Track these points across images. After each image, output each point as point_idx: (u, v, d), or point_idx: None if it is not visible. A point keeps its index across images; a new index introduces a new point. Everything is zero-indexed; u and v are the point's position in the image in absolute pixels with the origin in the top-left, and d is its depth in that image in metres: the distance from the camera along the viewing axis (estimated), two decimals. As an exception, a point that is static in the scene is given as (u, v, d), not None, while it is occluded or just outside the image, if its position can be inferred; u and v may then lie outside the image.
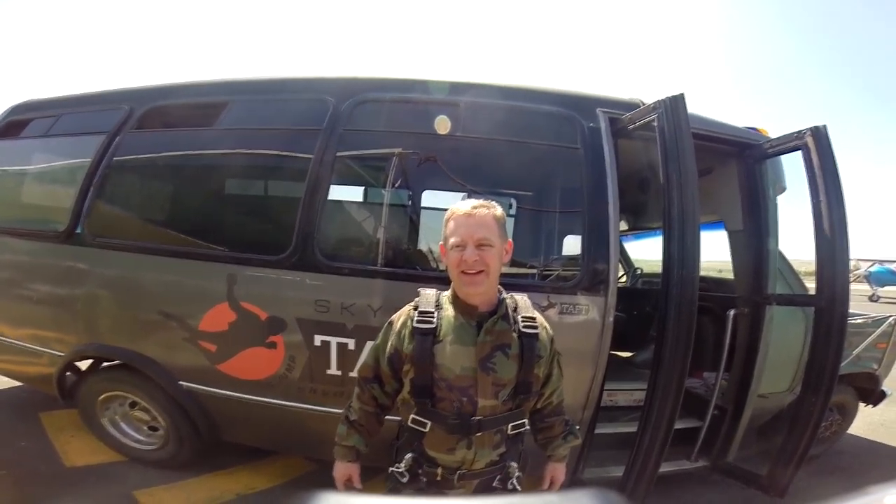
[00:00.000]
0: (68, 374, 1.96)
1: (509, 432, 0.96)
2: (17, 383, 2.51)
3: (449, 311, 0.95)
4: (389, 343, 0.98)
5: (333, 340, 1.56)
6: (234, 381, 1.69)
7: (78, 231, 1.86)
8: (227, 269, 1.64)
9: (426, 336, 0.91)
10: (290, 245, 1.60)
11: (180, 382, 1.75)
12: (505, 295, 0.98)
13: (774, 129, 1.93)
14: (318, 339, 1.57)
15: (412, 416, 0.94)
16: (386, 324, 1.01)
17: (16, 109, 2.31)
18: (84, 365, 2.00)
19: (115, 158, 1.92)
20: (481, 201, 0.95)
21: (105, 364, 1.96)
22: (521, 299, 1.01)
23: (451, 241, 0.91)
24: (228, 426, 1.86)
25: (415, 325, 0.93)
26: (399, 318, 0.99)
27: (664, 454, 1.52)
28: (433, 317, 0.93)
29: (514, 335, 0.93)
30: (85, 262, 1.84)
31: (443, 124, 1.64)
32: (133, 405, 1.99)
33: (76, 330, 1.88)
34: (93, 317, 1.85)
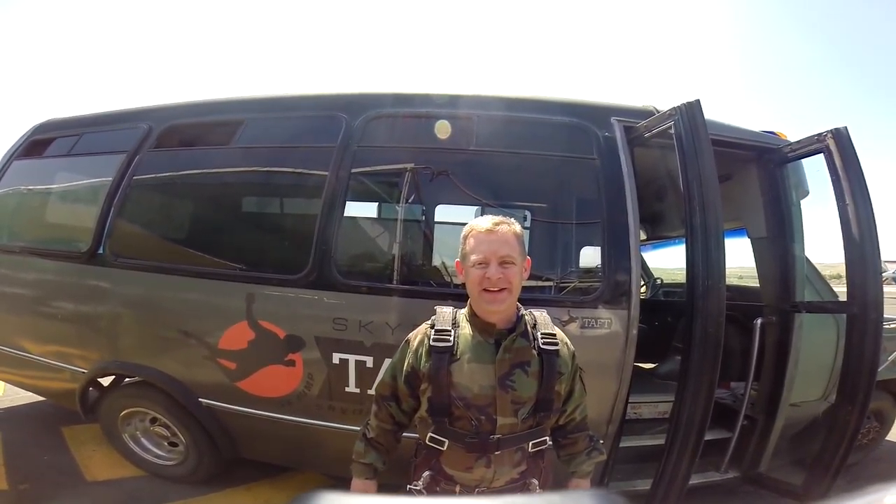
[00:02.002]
0: (91, 389, 1.99)
1: (530, 450, 0.94)
2: (41, 398, 2.56)
3: (466, 329, 0.94)
4: (406, 361, 0.97)
5: (352, 358, 1.56)
6: (252, 399, 1.69)
7: (100, 252, 1.90)
8: (246, 289, 1.66)
9: (443, 354, 0.90)
10: (308, 263, 1.60)
11: (200, 399, 1.76)
12: (523, 311, 0.97)
13: (794, 134, 1.89)
14: (336, 357, 1.57)
15: (429, 434, 0.93)
16: (403, 342, 1.01)
17: (38, 129, 2.38)
18: (106, 381, 2.02)
19: (134, 178, 1.96)
20: (501, 217, 0.94)
21: (126, 381, 1.98)
22: (541, 315, 0.99)
23: (473, 258, 0.90)
24: (247, 443, 1.87)
25: (431, 343, 0.92)
26: (416, 336, 0.98)
27: (693, 468, 1.47)
28: (450, 335, 0.92)
29: (534, 352, 0.92)
30: (108, 281, 1.88)
31: (443, 129, 1.64)
32: (154, 421, 2.01)
33: (98, 347, 1.91)
34: (115, 335, 1.88)
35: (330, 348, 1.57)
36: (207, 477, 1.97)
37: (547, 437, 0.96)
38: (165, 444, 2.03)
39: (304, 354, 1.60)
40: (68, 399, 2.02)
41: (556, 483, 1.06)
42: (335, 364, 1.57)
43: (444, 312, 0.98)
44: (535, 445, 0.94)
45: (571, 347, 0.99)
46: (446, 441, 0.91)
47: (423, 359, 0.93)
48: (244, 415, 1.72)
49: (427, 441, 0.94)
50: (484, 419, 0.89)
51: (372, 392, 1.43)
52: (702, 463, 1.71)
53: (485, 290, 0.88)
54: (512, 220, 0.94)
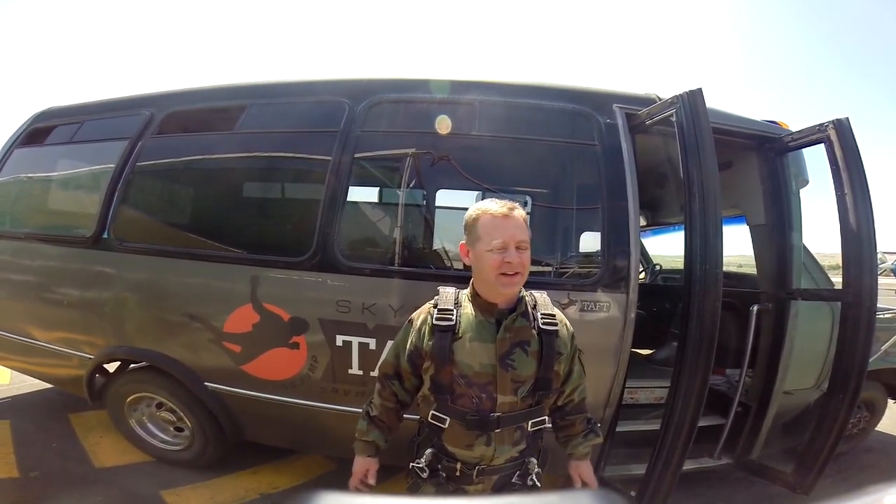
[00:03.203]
0: (97, 376, 2.01)
1: (529, 429, 0.96)
2: (48, 385, 2.60)
3: (468, 308, 0.96)
4: (409, 340, 0.99)
5: (355, 340, 1.58)
6: (257, 382, 1.72)
7: (104, 236, 1.91)
8: (251, 272, 1.67)
9: (445, 333, 0.93)
10: (312, 246, 1.62)
11: (205, 383, 1.79)
12: (524, 293, 0.98)
13: (795, 125, 1.89)
14: (339, 340, 1.59)
15: (432, 412, 0.95)
16: (406, 322, 1.03)
17: (39, 117, 2.37)
18: (112, 367, 2.05)
19: (137, 164, 1.97)
20: (510, 202, 0.95)
21: (132, 366, 2.01)
22: (541, 297, 1.01)
23: (494, 242, 0.90)
24: (252, 426, 1.89)
25: (434, 322, 0.94)
26: (419, 315, 1.01)
27: (687, 454, 1.50)
28: (453, 314, 0.95)
29: (534, 332, 0.94)
30: (112, 266, 1.89)
31: (444, 124, 1.65)
32: (160, 406, 2.04)
33: (104, 333, 1.93)
34: (120, 320, 1.90)
35: (333, 330, 1.59)
36: (213, 461, 2.00)
37: (545, 417, 0.99)
38: (171, 428, 2.06)
39: (308, 337, 1.62)
40: (75, 386, 2.05)
41: (554, 462, 1.09)
42: (339, 346, 1.59)
43: (447, 293, 1.00)
44: (534, 425, 0.96)
45: (571, 329, 1.01)
46: (448, 419, 0.94)
47: (427, 337, 0.95)
48: (249, 398, 1.74)
49: (429, 419, 0.96)
50: (485, 397, 0.92)
51: (375, 374, 1.46)
52: (695, 449, 1.74)
53: (502, 273, 0.90)
54: (517, 204, 0.96)
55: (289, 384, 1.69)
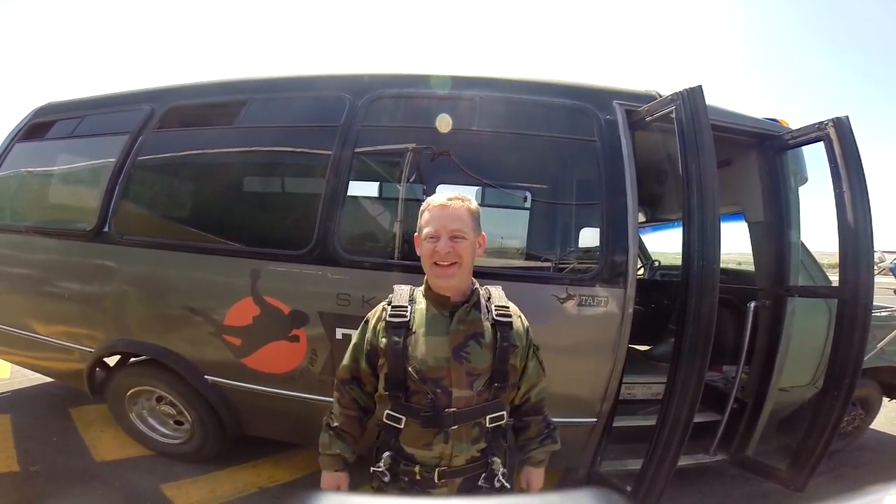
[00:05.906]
0: (98, 369, 2.02)
1: (488, 425, 0.92)
2: (49, 379, 2.61)
3: (422, 304, 0.95)
4: (366, 340, 0.97)
5: (354, 333, 1.58)
6: (257, 375, 1.73)
7: (105, 230, 1.92)
8: (251, 265, 1.68)
9: (399, 329, 0.91)
10: (312, 240, 1.63)
11: (206, 377, 1.80)
12: (477, 286, 0.98)
13: (795, 123, 1.89)
14: (339, 333, 1.60)
15: (387, 411, 0.93)
16: (363, 322, 1.01)
17: (39, 112, 2.38)
18: (113, 361, 2.06)
19: (138, 158, 1.97)
20: (457, 194, 0.95)
21: (133, 359, 2.02)
22: (495, 290, 1.01)
23: (425, 231, 0.91)
24: (252, 420, 1.91)
25: (388, 319, 0.93)
26: (374, 314, 0.99)
27: (682, 449, 1.51)
28: (406, 310, 0.93)
29: (488, 324, 0.93)
30: (113, 260, 1.90)
31: (444, 120, 1.65)
32: (160, 400, 2.05)
33: (105, 326, 1.94)
34: (121, 313, 1.90)
35: (333, 324, 1.60)
36: (213, 455, 2.01)
37: (504, 412, 0.95)
38: (171, 422, 2.08)
39: (307, 330, 1.63)
40: (76, 379, 2.06)
41: (522, 462, 1.05)
42: (338, 339, 1.60)
43: (402, 290, 0.99)
44: (492, 420, 0.93)
45: (526, 323, 1.00)
46: (403, 418, 0.91)
47: (381, 335, 0.94)
48: (249, 391, 1.75)
49: (385, 419, 0.93)
50: (440, 392, 0.89)
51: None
52: (691, 445, 1.75)
53: (435, 263, 0.90)
54: (468, 196, 0.95)
55: (288, 377, 1.70)
